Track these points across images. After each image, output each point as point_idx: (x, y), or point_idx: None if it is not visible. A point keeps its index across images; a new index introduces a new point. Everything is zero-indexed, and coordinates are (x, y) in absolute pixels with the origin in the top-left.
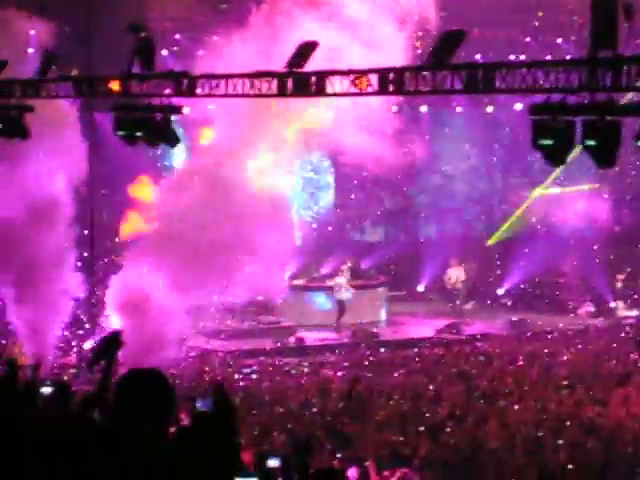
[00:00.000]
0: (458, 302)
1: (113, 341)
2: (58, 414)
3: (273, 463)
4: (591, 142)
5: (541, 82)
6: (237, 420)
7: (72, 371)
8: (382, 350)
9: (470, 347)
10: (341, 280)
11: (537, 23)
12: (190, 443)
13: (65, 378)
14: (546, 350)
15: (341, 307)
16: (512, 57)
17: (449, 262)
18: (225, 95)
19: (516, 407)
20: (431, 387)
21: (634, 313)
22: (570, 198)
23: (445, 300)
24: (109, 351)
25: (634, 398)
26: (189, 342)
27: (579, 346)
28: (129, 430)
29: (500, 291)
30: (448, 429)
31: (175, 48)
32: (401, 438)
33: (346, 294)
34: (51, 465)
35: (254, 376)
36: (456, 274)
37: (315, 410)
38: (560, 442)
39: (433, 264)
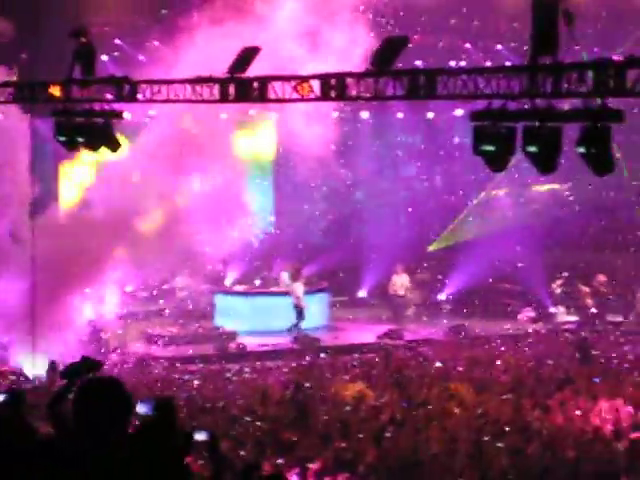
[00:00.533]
0: (402, 309)
1: (88, 365)
2: (9, 423)
3: (201, 437)
4: (532, 148)
5: (482, 88)
6: (178, 423)
7: None
8: (323, 355)
9: (411, 352)
10: (300, 286)
11: (477, 29)
12: (137, 449)
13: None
14: (486, 355)
15: (300, 312)
16: (452, 63)
17: (394, 269)
18: (167, 100)
19: (457, 411)
20: (372, 393)
21: (574, 318)
22: (509, 202)
23: (388, 306)
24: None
25: (574, 403)
26: (129, 348)
27: (519, 351)
28: (89, 439)
29: (441, 296)
30: (389, 434)
31: (116, 53)
32: (343, 444)
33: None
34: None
35: (195, 382)
36: (401, 281)
37: (257, 416)
38: (500, 446)
39: (375, 270)
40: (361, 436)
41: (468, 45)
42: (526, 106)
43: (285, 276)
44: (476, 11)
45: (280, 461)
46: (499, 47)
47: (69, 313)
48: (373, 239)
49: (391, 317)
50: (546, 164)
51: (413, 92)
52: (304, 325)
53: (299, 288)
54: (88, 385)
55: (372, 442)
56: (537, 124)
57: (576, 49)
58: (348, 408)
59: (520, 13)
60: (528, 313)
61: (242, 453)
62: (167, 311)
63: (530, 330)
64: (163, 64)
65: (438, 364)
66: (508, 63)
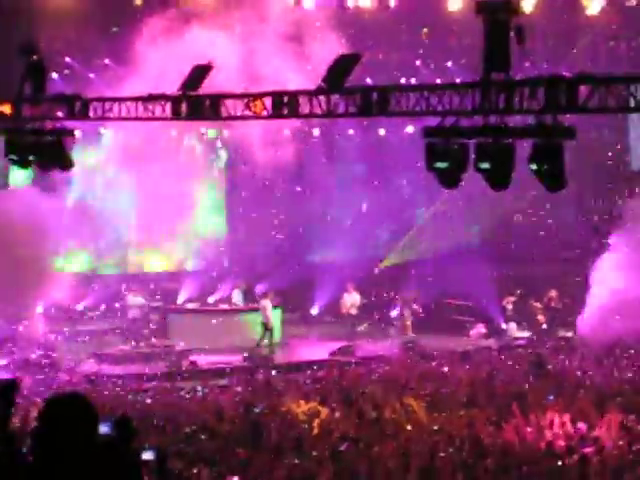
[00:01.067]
0: (352, 326)
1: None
2: None
3: (148, 456)
4: (485, 165)
5: (435, 105)
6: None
7: None
8: (274, 373)
9: (363, 369)
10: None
11: (427, 46)
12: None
13: None
14: (438, 371)
15: (268, 328)
16: (403, 80)
17: (346, 287)
18: (118, 118)
19: (409, 427)
20: (325, 409)
21: (525, 334)
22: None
23: (340, 323)
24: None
25: (526, 418)
26: (80, 367)
27: (471, 367)
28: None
29: (393, 313)
30: (343, 451)
31: (66, 71)
32: (296, 461)
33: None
34: None
35: (148, 400)
36: (351, 300)
37: (210, 434)
38: (454, 462)
39: (327, 287)
40: (315, 453)
41: (418, 62)
42: (479, 123)
43: (236, 294)
44: (426, 28)
45: (235, 479)
46: (449, 64)
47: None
48: (325, 256)
49: (343, 334)
50: (499, 180)
51: (366, 109)
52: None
53: (268, 305)
54: (56, 401)
55: (326, 459)
56: (490, 141)
57: (527, 65)
58: (301, 425)
59: (470, 29)
60: (480, 329)
61: (195, 471)
62: (118, 330)
63: (482, 346)
64: (113, 82)
65: (390, 380)
66: (458, 80)
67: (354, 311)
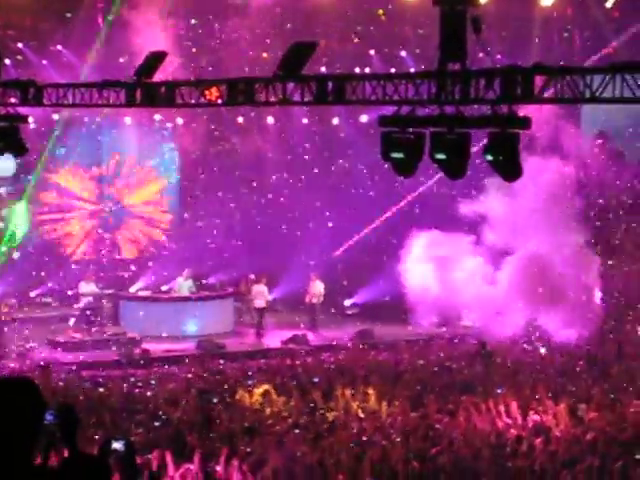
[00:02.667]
0: (315, 315)
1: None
2: None
3: (117, 446)
4: (440, 155)
5: (391, 94)
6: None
7: None
8: (222, 361)
9: (316, 358)
10: (261, 288)
11: (381, 36)
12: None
13: None
14: (391, 360)
15: (261, 314)
16: (357, 70)
17: (310, 276)
18: (73, 105)
19: (362, 416)
20: (276, 397)
21: (471, 323)
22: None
23: (305, 313)
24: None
25: (479, 407)
26: (32, 353)
27: (423, 355)
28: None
29: (347, 302)
30: (293, 440)
31: (18, 57)
32: (248, 449)
33: (263, 302)
34: None
35: (100, 389)
36: (315, 288)
37: (162, 420)
38: (407, 451)
39: (284, 276)
40: (266, 440)
41: (372, 51)
42: (434, 113)
43: (181, 282)
44: (380, 17)
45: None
46: (403, 54)
47: None
48: (284, 245)
49: (296, 322)
50: (455, 170)
51: (321, 97)
52: (209, 331)
53: (264, 289)
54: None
55: (277, 446)
56: (445, 130)
57: (482, 56)
58: (253, 413)
59: (424, 19)
60: (432, 318)
61: (149, 457)
62: (72, 318)
63: (434, 334)
64: (66, 68)
65: (343, 369)
66: (412, 70)
67: (316, 300)
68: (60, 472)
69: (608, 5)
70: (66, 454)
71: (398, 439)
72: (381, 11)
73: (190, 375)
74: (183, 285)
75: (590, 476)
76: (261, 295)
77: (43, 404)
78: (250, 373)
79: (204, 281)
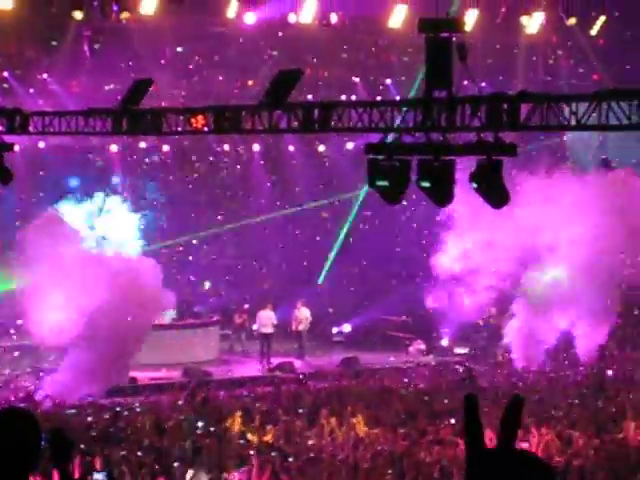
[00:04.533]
0: (302, 342)
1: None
2: None
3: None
4: (425, 183)
5: (377, 122)
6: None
7: None
8: (213, 388)
9: (302, 385)
10: (268, 314)
11: (366, 64)
12: None
13: None
14: (378, 387)
15: (268, 341)
16: (343, 97)
17: (296, 304)
18: (59, 132)
19: (350, 444)
20: (265, 425)
21: (463, 351)
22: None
23: (288, 340)
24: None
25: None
26: (17, 382)
27: (411, 383)
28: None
29: (334, 330)
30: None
31: (4, 85)
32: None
33: (270, 328)
34: None
35: (89, 418)
36: (301, 316)
37: (150, 449)
38: None
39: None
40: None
41: (357, 79)
42: (421, 140)
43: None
44: (366, 45)
45: None
46: (388, 81)
47: None
48: (266, 273)
49: (282, 350)
50: (441, 197)
51: (307, 125)
52: (194, 358)
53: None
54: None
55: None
56: (431, 158)
57: (467, 84)
58: (240, 441)
59: (409, 46)
60: (418, 346)
61: None
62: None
63: (421, 362)
64: (51, 96)
65: (330, 397)
66: (397, 97)
67: (302, 327)
68: None
69: (593, 33)
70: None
71: (386, 466)
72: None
73: (180, 402)
74: (167, 313)
75: None
76: (268, 320)
77: (40, 433)
78: (236, 401)
79: (195, 309)
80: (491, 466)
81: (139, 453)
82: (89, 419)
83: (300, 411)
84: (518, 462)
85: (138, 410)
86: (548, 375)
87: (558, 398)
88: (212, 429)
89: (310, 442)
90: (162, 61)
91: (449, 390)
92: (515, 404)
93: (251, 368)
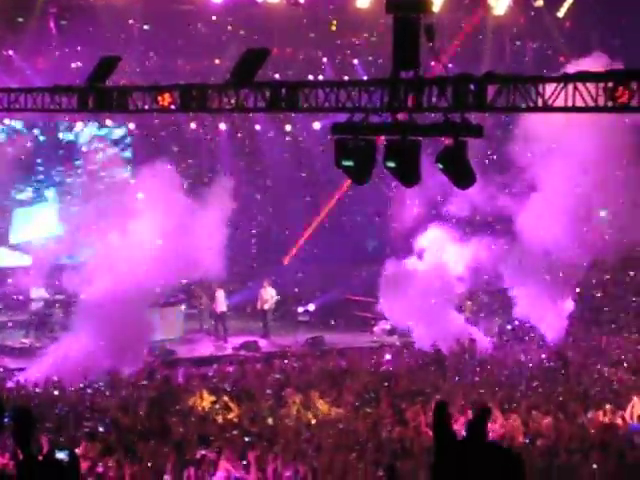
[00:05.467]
0: (267, 321)
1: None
2: None
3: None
4: (391, 163)
5: (344, 102)
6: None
7: None
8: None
9: (266, 365)
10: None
11: (334, 43)
12: None
13: None
14: (341, 367)
15: (222, 320)
16: (310, 77)
17: (262, 283)
18: (24, 109)
19: (313, 422)
20: (229, 405)
21: None
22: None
23: (253, 319)
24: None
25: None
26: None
27: (374, 363)
28: None
29: (300, 309)
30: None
31: None
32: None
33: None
34: None
35: (56, 392)
36: (267, 295)
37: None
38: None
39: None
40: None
41: (325, 59)
42: (387, 120)
43: None
44: (333, 25)
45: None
46: (355, 61)
47: None
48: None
49: (246, 329)
50: (407, 177)
51: (274, 104)
52: (160, 337)
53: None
54: None
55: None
56: (397, 138)
57: (435, 64)
58: (204, 420)
59: (376, 26)
60: (384, 326)
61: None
62: (20, 323)
63: (385, 342)
64: (17, 73)
65: (294, 377)
66: (365, 77)
67: (267, 307)
68: (18, 475)
69: (560, 15)
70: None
71: (351, 447)
72: (334, 23)
73: (144, 382)
74: None
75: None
76: (222, 299)
77: (2, 407)
78: (201, 380)
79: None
80: (460, 456)
81: (101, 429)
82: (54, 396)
83: (267, 391)
84: (487, 452)
85: (102, 388)
86: (514, 355)
87: (521, 378)
88: (177, 407)
89: (275, 421)
90: (129, 39)
91: (414, 371)
92: (481, 417)
93: (217, 348)
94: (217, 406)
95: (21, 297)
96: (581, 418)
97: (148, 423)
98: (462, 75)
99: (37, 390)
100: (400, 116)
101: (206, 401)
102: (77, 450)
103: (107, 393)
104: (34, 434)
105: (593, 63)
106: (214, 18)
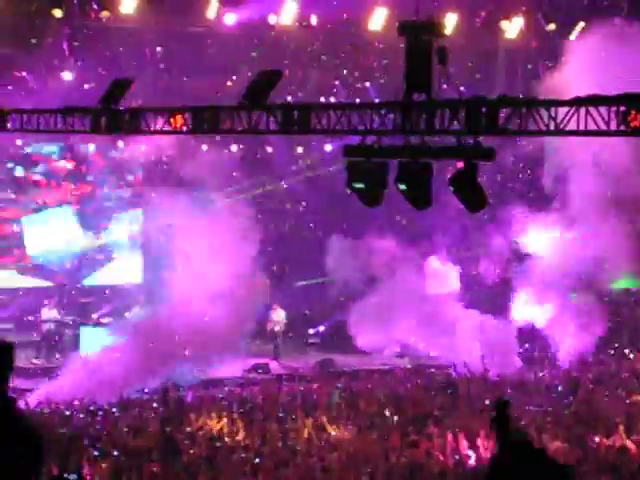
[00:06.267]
0: (278, 343)
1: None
2: None
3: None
4: (402, 186)
5: (356, 124)
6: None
7: None
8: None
9: (277, 386)
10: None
11: (346, 66)
12: None
13: None
14: (352, 389)
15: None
16: (322, 99)
17: (271, 305)
18: (37, 130)
19: (322, 445)
20: (239, 427)
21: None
22: None
23: (263, 341)
24: None
25: (438, 439)
26: None
27: (385, 386)
28: None
29: (310, 331)
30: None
31: None
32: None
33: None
34: None
35: (66, 412)
36: (277, 317)
37: (124, 450)
38: None
39: None
40: (228, 470)
41: (337, 82)
42: (400, 143)
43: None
44: (346, 47)
45: None
46: (367, 84)
47: None
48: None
49: (257, 351)
50: (419, 200)
51: (287, 126)
52: None
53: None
54: None
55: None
56: (409, 160)
57: (447, 87)
58: (214, 442)
59: (388, 49)
60: (394, 348)
61: None
62: (31, 343)
63: (395, 365)
64: (31, 95)
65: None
66: (377, 100)
67: (278, 328)
68: None
69: (572, 38)
70: None
71: (359, 469)
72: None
73: (154, 404)
74: None
75: None
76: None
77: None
78: (212, 402)
79: None
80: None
81: (115, 453)
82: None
83: (277, 413)
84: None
85: (113, 410)
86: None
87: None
88: (188, 430)
89: (285, 444)
90: (142, 60)
91: (427, 396)
92: (499, 407)
93: (227, 369)
94: (226, 428)
95: (32, 317)
96: (591, 441)
97: (158, 443)
98: (474, 98)
99: (44, 411)
100: (413, 139)
101: (216, 422)
102: (85, 472)
103: (116, 414)
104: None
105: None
106: (226, 40)
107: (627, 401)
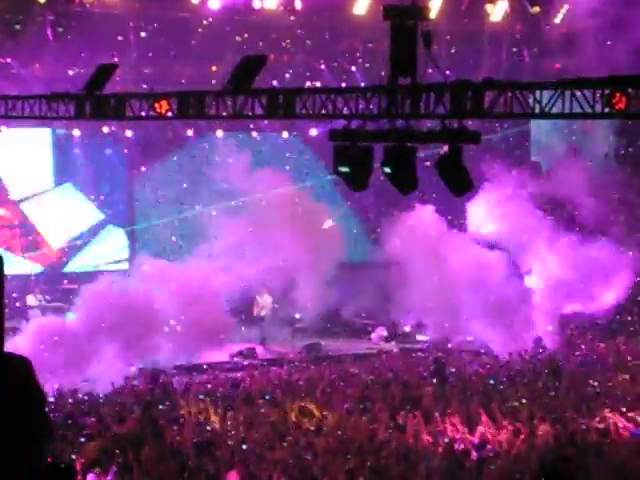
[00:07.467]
0: (266, 329)
1: None
2: None
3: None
4: (387, 169)
5: (341, 108)
6: None
7: None
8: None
9: (264, 371)
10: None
11: (331, 50)
12: None
13: None
14: (339, 374)
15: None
16: (307, 83)
17: (258, 289)
18: (22, 117)
19: (310, 429)
20: (225, 412)
21: (426, 338)
22: None
23: (250, 326)
24: None
25: (425, 422)
26: None
27: (372, 370)
28: None
29: (297, 315)
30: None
31: None
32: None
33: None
34: None
35: (51, 398)
36: (263, 301)
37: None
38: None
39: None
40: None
41: (322, 65)
42: (385, 127)
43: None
44: (331, 31)
45: None
46: (353, 68)
47: None
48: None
49: (244, 336)
50: (403, 184)
51: (272, 111)
52: None
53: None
54: None
55: (227, 462)
56: (395, 144)
57: (432, 71)
58: (201, 427)
59: (374, 33)
60: (381, 332)
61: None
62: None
63: (383, 348)
64: (15, 81)
65: (293, 383)
66: (362, 84)
67: (264, 313)
68: None
69: (557, 21)
70: None
71: (346, 453)
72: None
73: (138, 388)
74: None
75: None
76: None
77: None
78: (197, 387)
79: None
80: None
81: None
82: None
83: (264, 397)
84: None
85: (100, 396)
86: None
87: (518, 387)
88: (175, 415)
89: (272, 428)
90: (126, 46)
91: (416, 379)
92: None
93: (212, 354)
94: (213, 413)
95: (18, 304)
96: (578, 424)
97: (141, 428)
98: (459, 81)
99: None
100: (398, 123)
101: (202, 408)
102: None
103: (101, 400)
104: None
105: None
106: (211, 25)
107: (610, 383)
